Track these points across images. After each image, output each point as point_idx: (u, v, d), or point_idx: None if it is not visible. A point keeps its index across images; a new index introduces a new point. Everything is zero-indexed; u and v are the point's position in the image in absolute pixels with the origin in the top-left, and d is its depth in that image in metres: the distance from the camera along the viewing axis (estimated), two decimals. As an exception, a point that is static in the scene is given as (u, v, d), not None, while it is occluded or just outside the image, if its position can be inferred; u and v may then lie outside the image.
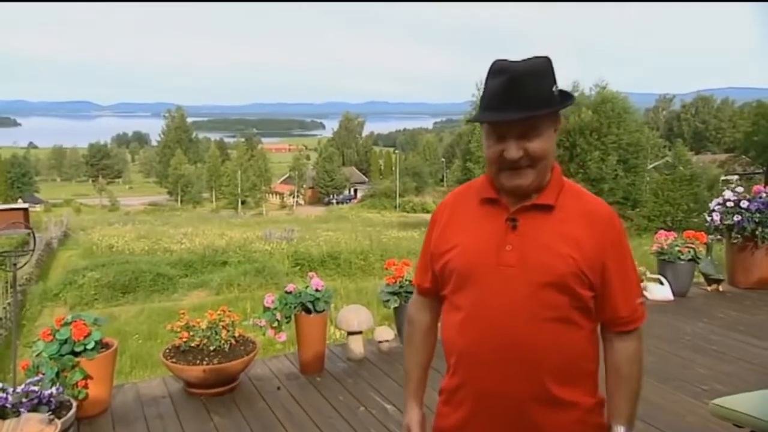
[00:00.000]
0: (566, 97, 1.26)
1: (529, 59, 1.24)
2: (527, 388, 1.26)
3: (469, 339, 1.30)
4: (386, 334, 4.24)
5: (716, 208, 5.60)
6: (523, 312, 1.24)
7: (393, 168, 72.52)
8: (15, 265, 3.28)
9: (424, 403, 1.54)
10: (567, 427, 1.28)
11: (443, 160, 78.31)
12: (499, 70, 1.23)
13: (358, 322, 4.05)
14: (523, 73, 1.21)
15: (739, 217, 5.39)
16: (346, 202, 67.14)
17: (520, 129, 1.22)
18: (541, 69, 1.23)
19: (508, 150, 1.23)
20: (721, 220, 5.52)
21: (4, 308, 13.62)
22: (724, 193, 5.68)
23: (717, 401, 2.46)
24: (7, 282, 14.67)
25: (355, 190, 72.54)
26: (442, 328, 1.40)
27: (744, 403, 2.39)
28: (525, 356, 1.25)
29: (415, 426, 1.49)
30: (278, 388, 3.56)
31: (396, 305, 4.17)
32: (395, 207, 59.25)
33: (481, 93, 1.30)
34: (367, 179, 77.31)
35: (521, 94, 1.20)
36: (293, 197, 68.41)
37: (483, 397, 1.30)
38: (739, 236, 5.46)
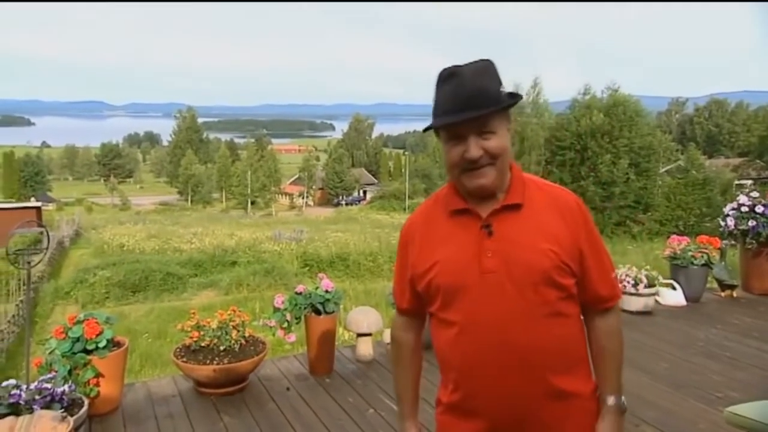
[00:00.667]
0: (513, 95, 1.30)
1: (474, 62, 1.27)
2: (531, 388, 1.27)
3: (467, 352, 1.30)
4: (395, 336, 4.23)
5: (731, 212, 5.53)
6: (516, 314, 1.26)
7: (402, 169, 72.51)
8: (29, 263, 3.31)
9: (419, 421, 1.54)
10: (571, 418, 1.31)
11: (453, 162, 78.00)
12: (448, 75, 1.26)
13: (368, 324, 4.05)
14: (473, 75, 1.24)
15: (754, 222, 5.33)
16: (355, 204, 67.19)
17: (477, 128, 1.25)
18: (487, 71, 1.27)
19: (468, 150, 1.25)
20: (735, 225, 5.45)
21: (17, 305, 13.77)
22: (738, 197, 5.61)
23: (731, 409, 2.42)
24: (20, 280, 14.83)
25: (365, 192, 72.59)
26: (435, 345, 1.39)
27: (759, 411, 2.35)
28: (525, 357, 1.26)
29: None
30: (287, 389, 3.57)
31: (406, 307, 4.16)
32: (404, 209, 59.15)
33: (433, 102, 1.32)
34: (376, 180, 77.35)
35: (473, 94, 1.23)
36: (303, 198, 68.62)
37: (492, 406, 1.30)
38: (753, 241, 5.39)
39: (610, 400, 1.36)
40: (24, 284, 14.40)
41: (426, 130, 1.34)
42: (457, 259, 1.30)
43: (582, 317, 1.38)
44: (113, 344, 3.23)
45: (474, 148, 1.25)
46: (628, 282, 4.94)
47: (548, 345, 1.27)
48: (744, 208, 5.45)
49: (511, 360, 1.26)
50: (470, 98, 1.23)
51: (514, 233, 1.28)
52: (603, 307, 1.38)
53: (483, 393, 1.30)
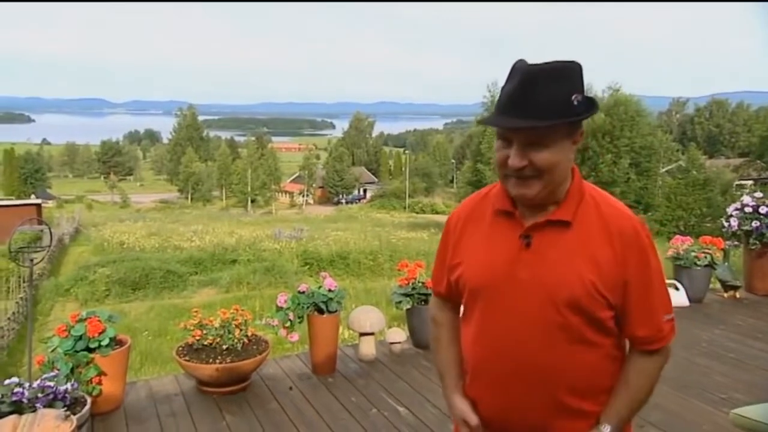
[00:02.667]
0: (588, 107, 1.15)
1: (549, 62, 1.14)
2: (540, 410, 1.23)
3: (480, 357, 1.29)
4: (398, 335, 4.22)
5: (734, 213, 5.52)
6: (536, 333, 1.20)
7: (403, 168, 72.51)
8: (31, 260, 3.29)
9: (439, 408, 1.54)
10: None
11: (453, 161, 78.16)
12: (516, 71, 1.15)
13: (370, 324, 4.03)
14: (537, 76, 1.12)
15: (758, 223, 5.31)
16: (356, 202, 67.20)
17: (525, 137, 1.14)
18: (559, 74, 1.12)
19: (512, 158, 1.17)
20: (738, 226, 5.44)
21: (17, 303, 13.76)
22: (742, 198, 5.60)
23: (738, 411, 2.40)
24: (20, 277, 14.82)
25: (365, 190, 72.58)
26: (461, 337, 1.39)
27: (766, 413, 2.33)
28: (538, 379, 1.21)
29: (469, 412, 1.33)
30: (290, 388, 3.55)
31: (408, 307, 4.15)
32: (405, 207, 59.21)
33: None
34: (376, 179, 77.32)
35: (530, 99, 1.11)
36: (303, 196, 68.61)
37: (494, 415, 1.29)
38: (757, 242, 5.37)
39: (605, 429, 1.24)
40: (24, 281, 14.39)
41: (479, 123, 1.31)
42: (488, 262, 1.26)
43: (620, 349, 1.30)
44: (115, 342, 3.21)
45: (516, 158, 1.16)
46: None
47: (567, 368, 1.20)
48: (748, 209, 5.43)
49: (521, 379, 1.22)
50: (523, 105, 1.12)
51: (553, 251, 1.20)
52: (643, 348, 1.27)
53: (487, 399, 1.29)
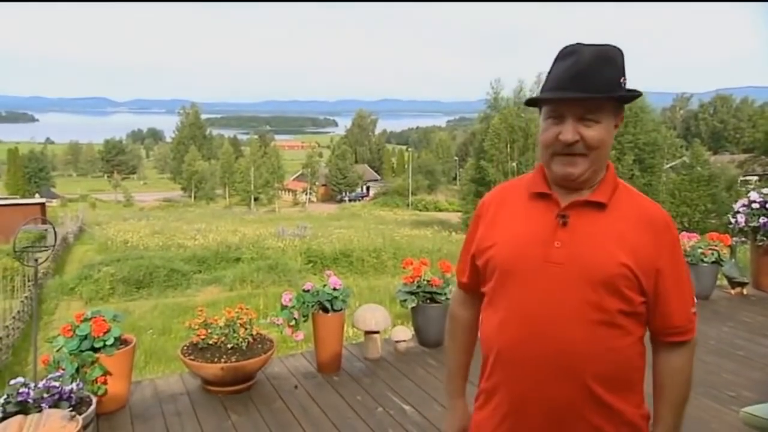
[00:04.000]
0: (634, 91, 1.22)
1: (599, 45, 1.21)
2: (567, 396, 1.19)
3: (508, 339, 1.24)
4: (403, 334, 4.20)
5: (741, 209, 5.48)
6: (569, 313, 1.19)
7: (405, 166, 72.45)
8: (36, 260, 3.29)
9: (445, 407, 1.51)
10: None
11: (456, 158, 78.07)
12: (568, 52, 1.21)
13: (376, 322, 4.01)
14: (592, 57, 1.18)
15: (765, 219, 5.28)
16: (359, 200, 67.22)
17: (579, 111, 1.19)
18: (610, 56, 1.20)
19: (564, 132, 1.19)
20: (746, 222, 5.40)
21: (22, 302, 13.79)
22: (749, 194, 5.57)
23: (747, 409, 2.38)
24: (24, 275, 14.86)
25: (368, 188, 72.56)
26: (481, 326, 1.36)
27: (777, 411, 2.31)
28: (567, 361, 1.18)
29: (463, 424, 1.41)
30: (295, 387, 3.54)
31: (413, 305, 4.13)
32: (408, 205, 59.20)
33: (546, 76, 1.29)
34: (379, 177, 77.28)
35: (586, 76, 1.17)
36: (306, 194, 68.65)
37: (518, 402, 1.24)
38: (764, 238, 5.34)
39: None
40: (29, 280, 14.44)
41: (528, 102, 1.30)
42: (523, 241, 1.25)
43: (651, 346, 1.30)
44: (120, 342, 3.21)
45: (570, 131, 1.19)
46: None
47: (596, 354, 1.18)
48: (755, 205, 5.40)
49: (551, 359, 1.19)
50: (579, 78, 1.17)
51: (590, 231, 1.21)
52: (673, 339, 1.27)
53: (512, 384, 1.24)
